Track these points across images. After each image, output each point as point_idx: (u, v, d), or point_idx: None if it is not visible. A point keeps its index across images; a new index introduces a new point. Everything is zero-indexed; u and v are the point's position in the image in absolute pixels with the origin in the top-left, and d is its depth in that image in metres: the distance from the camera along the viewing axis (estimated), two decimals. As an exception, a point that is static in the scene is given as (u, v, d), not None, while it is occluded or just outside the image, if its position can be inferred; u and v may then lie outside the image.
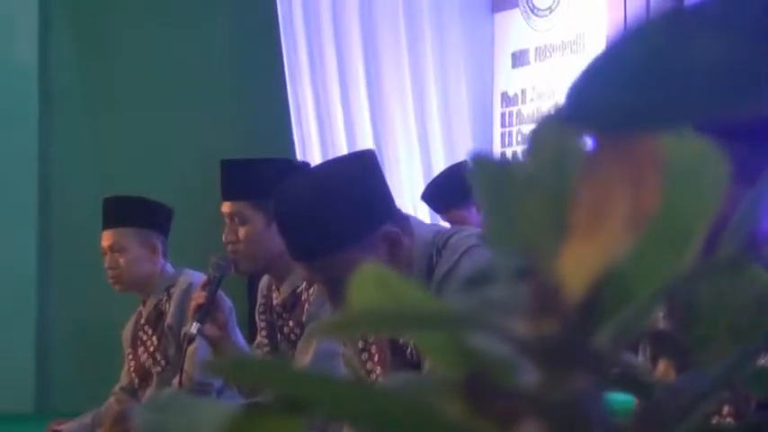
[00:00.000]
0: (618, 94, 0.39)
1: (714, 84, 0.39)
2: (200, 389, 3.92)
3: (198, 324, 3.37)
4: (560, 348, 0.44)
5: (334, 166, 2.57)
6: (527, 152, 0.48)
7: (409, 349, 2.51)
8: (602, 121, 0.41)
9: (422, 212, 5.63)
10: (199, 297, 3.42)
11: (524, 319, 0.44)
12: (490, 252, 0.48)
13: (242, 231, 3.41)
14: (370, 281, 0.50)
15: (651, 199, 0.43)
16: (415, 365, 2.43)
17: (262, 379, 0.43)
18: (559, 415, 0.43)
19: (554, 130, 0.46)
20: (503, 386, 0.45)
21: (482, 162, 0.50)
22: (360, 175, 2.42)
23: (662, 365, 0.77)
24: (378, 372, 2.55)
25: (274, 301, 3.47)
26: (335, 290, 2.41)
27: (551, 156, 0.45)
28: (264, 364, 0.43)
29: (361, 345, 2.63)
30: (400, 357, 2.51)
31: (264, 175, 3.42)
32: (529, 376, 0.46)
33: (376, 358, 2.58)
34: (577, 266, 0.43)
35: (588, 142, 0.44)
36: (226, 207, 3.47)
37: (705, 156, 0.50)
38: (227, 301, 3.62)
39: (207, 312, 3.39)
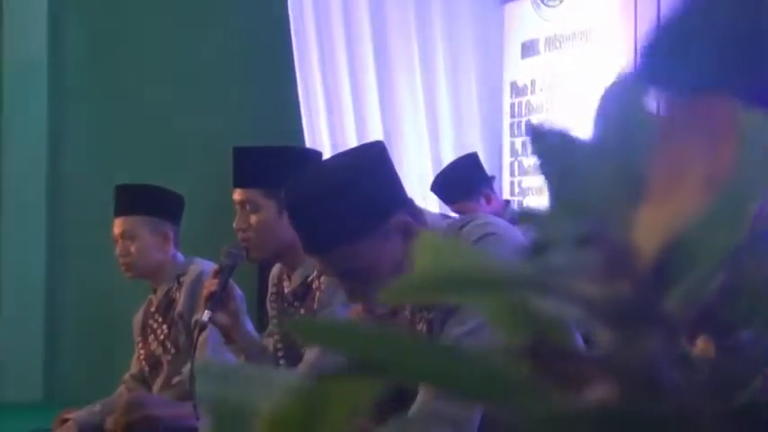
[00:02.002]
0: (697, 56, 0.40)
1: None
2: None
3: (210, 312, 3.37)
4: (633, 310, 0.44)
5: (344, 159, 2.57)
6: (595, 117, 0.48)
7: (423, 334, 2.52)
8: (680, 83, 0.41)
9: (431, 204, 5.63)
10: (211, 285, 3.42)
11: (594, 283, 0.45)
12: (553, 220, 0.48)
13: (253, 219, 3.41)
14: (430, 249, 0.50)
15: (726, 165, 0.43)
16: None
17: (335, 341, 0.43)
18: (631, 377, 0.44)
19: (622, 95, 0.46)
20: (570, 349, 0.45)
21: (542, 132, 0.50)
22: (370, 166, 2.43)
23: (701, 342, 0.77)
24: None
25: (286, 290, 3.47)
26: (349, 281, 2.41)
27: (621, 121, 0.46)
28: (338, 327, 0.43)
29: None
30: None
31: (277, 163, 3.42)
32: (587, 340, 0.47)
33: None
34: (650, 230, 0.44)
35: (657, 106, 0.44)
36: (237, 194, 3.47)
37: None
38: (237, 290, 3.62)
39: (219, 300, 3.38)
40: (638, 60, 0.43)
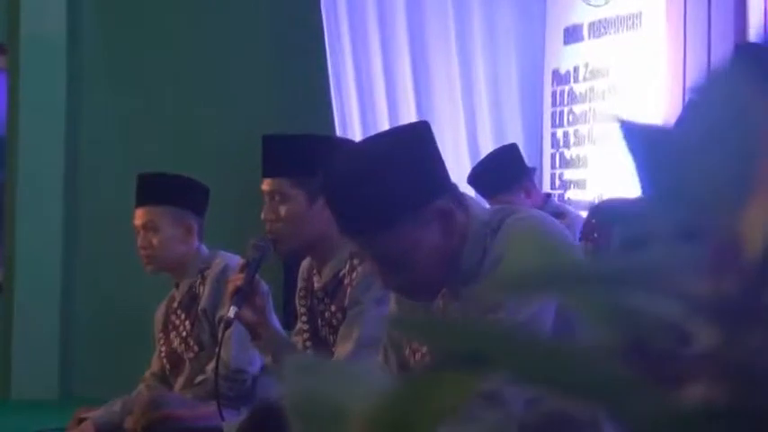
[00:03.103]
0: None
1: None
2: (235, 376, 3.94)
3: (235, 308, 3.37)
4: (740, 306, 0.45)
5: (387, 139, 2.58)
6: (693, 108, 0.49)
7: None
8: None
9: (467, 196, 5.62)
10: (237, 279, 3.42)
11: (699, 278, 0.46)
12: (651, 214, 0.49)
13: (282, 209, 3.41)
14: (530, 244, 0.51)
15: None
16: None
17: (437, 336, 0.44)
18: (739, 374, 0.45)
19: (724, 87, 0.47)
20: (673, 347, 0.47)
21: (632, 127, 0.51)
22: (413, 147, 2.43)
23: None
24: (423, 350, 2.54)
25: (315, 285, 3.47)
26: (385, 266, 2.42)
27: (728, 111, 0.47)
28: (439, 321, 0.44)
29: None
30: None
31: (307, 151, 3.43)
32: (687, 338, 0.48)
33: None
34: (758, 224, 0.45)
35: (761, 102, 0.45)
36: (266, 185, 3.48)
37: None
38: (264, 285, 3.62)
39: (245, 296, 3.39)
40: (742, 54, 0.44)
